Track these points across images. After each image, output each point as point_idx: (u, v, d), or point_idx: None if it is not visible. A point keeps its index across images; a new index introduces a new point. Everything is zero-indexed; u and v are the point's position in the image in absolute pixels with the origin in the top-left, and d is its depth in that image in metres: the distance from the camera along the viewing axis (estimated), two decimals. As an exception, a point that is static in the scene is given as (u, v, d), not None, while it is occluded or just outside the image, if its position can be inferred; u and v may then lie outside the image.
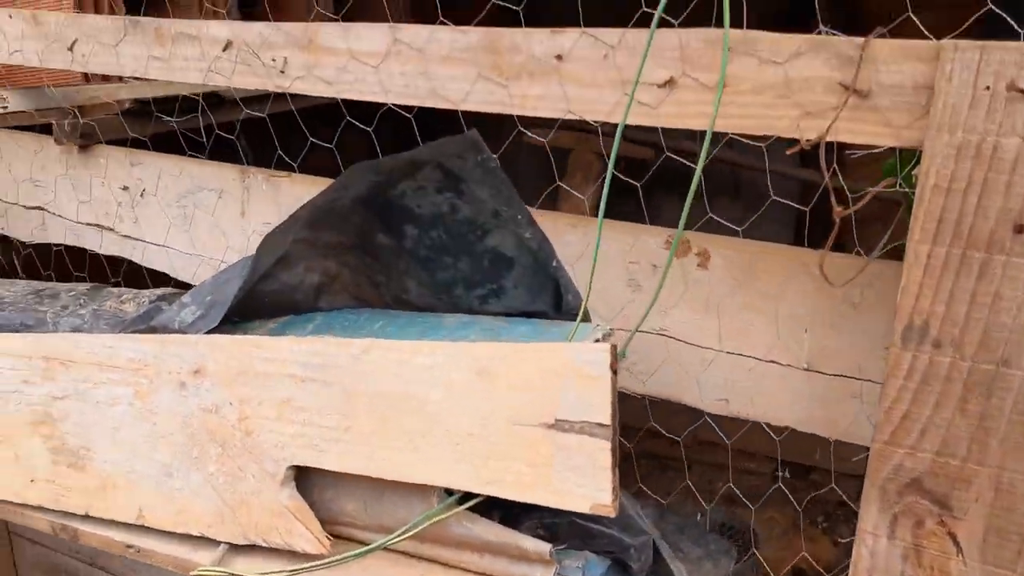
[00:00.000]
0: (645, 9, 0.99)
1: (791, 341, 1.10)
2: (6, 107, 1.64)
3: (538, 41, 1.07)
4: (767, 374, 1.12)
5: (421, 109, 1.22)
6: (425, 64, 1.16)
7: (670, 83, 0.99)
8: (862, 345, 1.06)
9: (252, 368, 1.04)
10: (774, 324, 1.10)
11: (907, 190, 0.88)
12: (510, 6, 1.21)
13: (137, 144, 1.75)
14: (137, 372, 1.11)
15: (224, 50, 1.32)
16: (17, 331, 1.26)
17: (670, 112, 1.00)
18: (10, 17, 1.55)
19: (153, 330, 1.14)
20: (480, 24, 1.13)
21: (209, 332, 1.11)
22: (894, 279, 0.93)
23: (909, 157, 0.91)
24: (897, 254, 0.91)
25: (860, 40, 0.87)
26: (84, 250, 1.79)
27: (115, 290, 1.37)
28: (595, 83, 1.04)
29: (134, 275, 1.75)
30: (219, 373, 1.06)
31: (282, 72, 1.28)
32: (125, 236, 1.71)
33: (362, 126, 1.32)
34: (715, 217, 1.14)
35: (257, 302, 1.17)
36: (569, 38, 1.04)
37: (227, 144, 1.69)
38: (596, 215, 1.03)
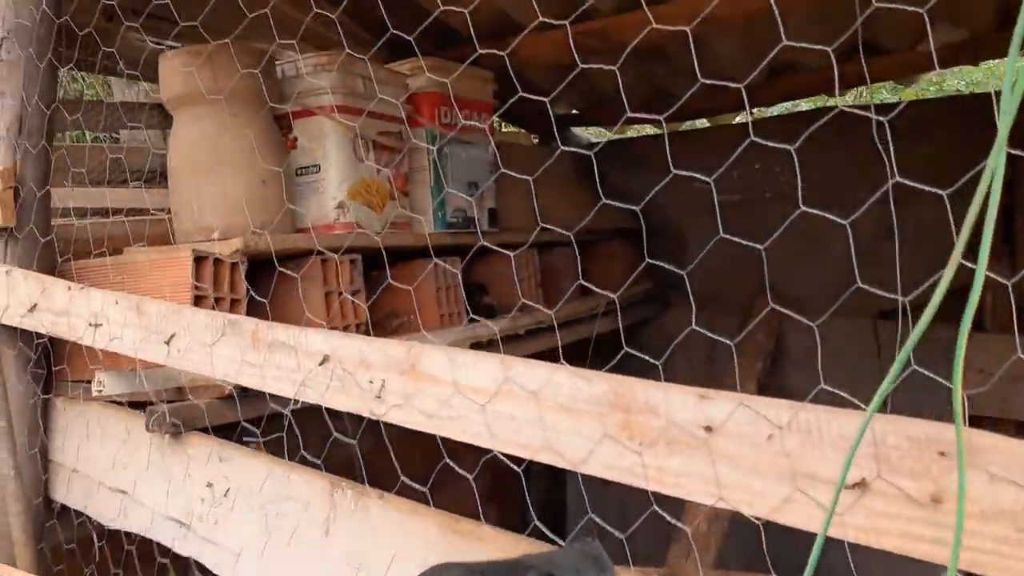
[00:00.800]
0: (824, 385, 0.78)
1: None
2: (101, 391, 1.55)
3: (681, 404, 0.86)
4: None
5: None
6: (540, 410, 0.96)
7: (861, 485, 0.74)
8: None
9: None
10: None
11: None
12: (645, 357, 1.01)
13: (233, 428, 1.62)
14: None
15: (320, 364, 1.18)
16: None
17: (859, 524, 0.75)
18: (116, 303, 1.48)
19: None
20: (615, 369, 0.94)
21: None
22: None
23: None
24: None
25: None
26: (156, 545, 1.62)
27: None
28: (756, 469, 0.81)
29: (205, 582, 1.55)
30: None
31: (378, 397, 1.11)
32: (202, 537, 1.54)
33: (461, 471, 1.13)
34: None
35: None
36: (721, 408, 0.83)
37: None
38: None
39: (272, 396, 1.33)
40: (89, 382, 1.72)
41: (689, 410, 0.85)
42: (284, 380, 1.22)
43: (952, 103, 3.33)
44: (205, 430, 1.62)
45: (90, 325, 1.52)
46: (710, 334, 1.04)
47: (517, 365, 0.99)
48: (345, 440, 1.24)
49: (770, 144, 0.89)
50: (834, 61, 0.89)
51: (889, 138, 0.95)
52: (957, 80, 7.79)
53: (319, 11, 2.45)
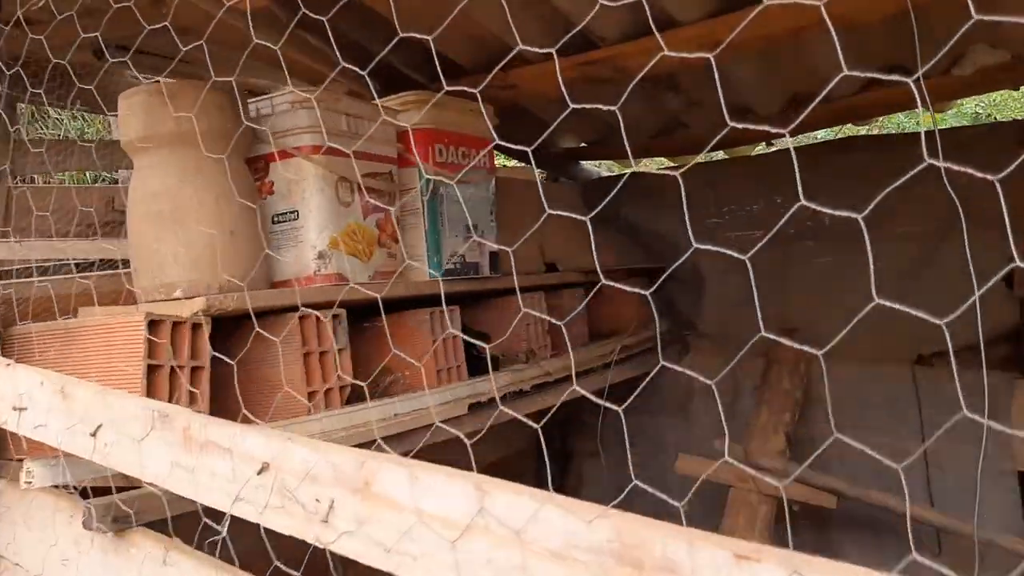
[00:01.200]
0: None
1: None
2: (30, 483, 1.33)
3: (711, 565, 0.63)
4: None
5: None
6: (524, 555, 0.74)
7: None
8: None
9: None
10: None
11: None
12: (662, 496, 0.79)
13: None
14: None
15: (258, 473, 0.95)
16: None
17: None
18: (41, 384, 1.27)
19: None
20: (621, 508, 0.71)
21: None
22: None
23: None
24: None
25: None
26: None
27: None
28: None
29: None
30: None
31: (325, 522, 0.88)
32: (144, 656, 1.31)
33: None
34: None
35: None
36: (768, 574, 0.60)
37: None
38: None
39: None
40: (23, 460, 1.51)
41: (723, 574, 0.62)
42: (217, 490, 1.00)
43: (979, 129, 3.11)
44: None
45: (14, 409, 1.31)
46: (734, 454, 0.81)
47: (495, 491, 0.76)
48: (288, 571, 1.02)
49: (829, 211, 0.67)
50: (914, 88, 0.67)
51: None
52: (975, 103, 7.54)
53: (304, 45, 2.26)
